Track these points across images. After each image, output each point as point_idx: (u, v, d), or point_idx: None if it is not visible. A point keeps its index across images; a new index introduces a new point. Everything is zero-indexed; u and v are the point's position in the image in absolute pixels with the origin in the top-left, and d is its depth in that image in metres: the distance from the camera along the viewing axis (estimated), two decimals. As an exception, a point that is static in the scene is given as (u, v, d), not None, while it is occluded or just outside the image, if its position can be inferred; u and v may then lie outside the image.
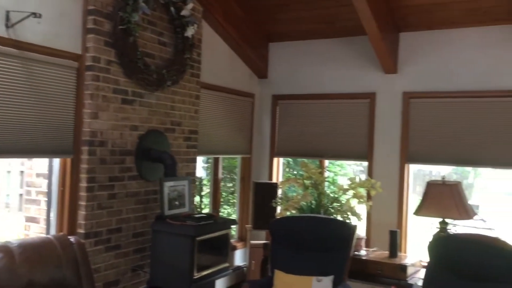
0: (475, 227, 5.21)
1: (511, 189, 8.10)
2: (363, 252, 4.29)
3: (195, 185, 4.51)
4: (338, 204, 4.34)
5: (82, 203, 3.47)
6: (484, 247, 3.13)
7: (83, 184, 3.47)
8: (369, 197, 4.70)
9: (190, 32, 4.16)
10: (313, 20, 5.25)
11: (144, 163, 3.89)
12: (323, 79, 5.53)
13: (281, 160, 6.00)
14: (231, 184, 6.60)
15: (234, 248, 5.48)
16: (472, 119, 4.77)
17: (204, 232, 3.63)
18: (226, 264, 3.96)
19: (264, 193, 5.04)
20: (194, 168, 4.55)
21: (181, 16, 4.10)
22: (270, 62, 5.87)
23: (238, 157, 5.83)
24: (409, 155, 5.05)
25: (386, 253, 4.26)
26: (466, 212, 3.87)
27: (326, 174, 5.86)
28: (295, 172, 7.03)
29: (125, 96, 3.73)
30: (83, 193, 3.47)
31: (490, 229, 5.37)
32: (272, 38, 5.78)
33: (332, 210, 4.33)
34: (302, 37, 5.59)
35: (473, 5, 4.47)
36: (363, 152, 5.29)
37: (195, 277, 3.57)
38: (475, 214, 4.03)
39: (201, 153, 4.80)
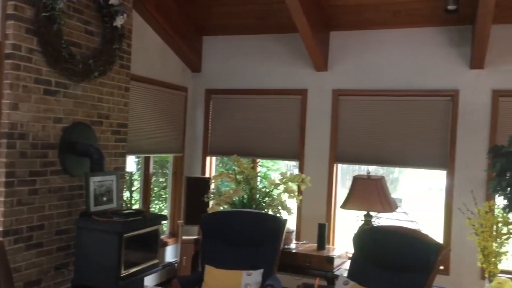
0: (398, 220, 5.48)
1: (432, 185, 8.62)
2: (292, 245, 4.37)
3: (124, 180, 4.39)
4: (270, 199, 4.39)
5: (1, 199, 3.26)
6: (404, 239, 3.29)
7: (2, 179, 3.26)
8: (299, 191, 4.80)
9: (119, 21, 4.02)
10: (246, 15, 5.26)
11: (69, 157, 3.73)
12: (256, 75, 5.57)
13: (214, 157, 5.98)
14: (163, 179, 6.49)
15: (165, 244, 5.40)
16: (396, 118, 5.00)
17: (132, 229, 3.55)
18: (156, 261, 3.90)
19: (197, 188, 5.01)
20: (124, 162, 4.42)
21: (110, 5, 3.95)
22: (204, 56, 5.83)
23: (170, 156, 5.73)
24: (338, 155, 5.22)
25: (315, 245, 4.37)
26: (389, 205, 4.06)
27: (259, 169, 5.92)
28: (228, 167, 7.04)
29: (48, 87, 3.54)
30: (1, 189, 3.26)
31: (411, 221, 5.67)
32: (206, 32, 5.74)
33: (264, 205, 4.37)
34: (236, 31, 5.60)
35: (398, 7, 4.67)
36: (295, 151, 5.39)
37: (122, 275, 3.48)
38: (397, 207, 4.24)
39: (131, 151, 4.65)
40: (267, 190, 4.41)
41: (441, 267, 4.67)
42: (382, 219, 4.63)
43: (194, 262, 4.50)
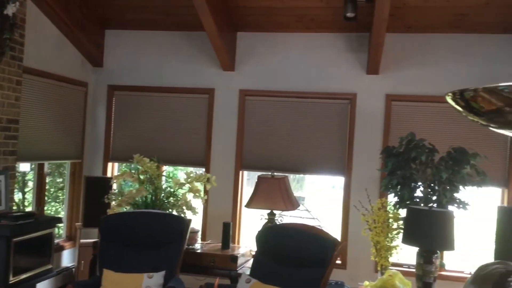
0: (301, 217, 5.66)
1: (335, 183, 9.05)
2: (197, 245, 4.34)
3: (15, 181, 4.07)
4: (174, 199, 4.32)
5: None
6: (303, 235, 3.41)
7: None
8: (206, 191, 4.78)
9: (10, 10, 3.72)
10: (152, 10, 5.12)
11: None
12: (162, 72, 5.45)
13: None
14: (60, 179, 6.11)
15: (62, 248, 5.09)
16: (300, 120, 5.14)
17: (22, 232, 3.31)
18: (50, 266, 3.68)
19: (97, 189, 4.78)
20: (14, 161, 4.09)
21: (-1, -10, 3.64)
22: (106, 50, 5.57)
23: (68, 162, 5.39)
24: (244, 162, 5.25)
25: (220, 245, 4.37)
26: (291, 203, 4.17)
27: (164, 168, 5.79)
28: (133, 166, 6.81)
29: None
30: None
31: (313, 218, 5.88)
32: (109, 25, 5.50)
33: (168, 205, 4.28)
34: (141, 26, 5.43)
35: (302, 12, 4.83)
36: (201, 158, 5.32)
37: (11, 281, 3.24)
38: (299, 205, 4.37)
39: (21, 158, 4.29)
40: (172, 190, 4.33)
41: (339, 262, 4.91)
42: (285, 217, 4.75)
43: (92, 267, 4.29)
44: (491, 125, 1.15)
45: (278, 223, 4.22)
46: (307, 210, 6.05)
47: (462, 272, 4.66)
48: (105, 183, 4.82)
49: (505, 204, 4.67)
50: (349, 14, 4.30)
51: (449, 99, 1.08)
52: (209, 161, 5.30)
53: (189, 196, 4.28)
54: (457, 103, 1.09)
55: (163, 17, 5.20)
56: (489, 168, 4.38)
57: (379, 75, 4.97)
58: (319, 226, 5.51)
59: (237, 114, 5.26)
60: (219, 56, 5.07)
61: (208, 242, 4.60)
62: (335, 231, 5.17)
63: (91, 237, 5.12)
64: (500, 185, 4.72)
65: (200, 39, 5.25)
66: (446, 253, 4.69)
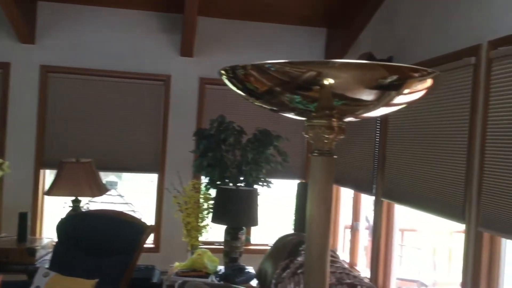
0: (113, 203, 5.43)
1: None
2: (-13, 240, 3.82)
3: None
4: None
5: None
6: (110, 222, 3.26)
7: None
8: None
9: None
10: None
11: None
12: None
13: None
14: None
15: None
16: (111, 103, 4.87)
17: None
18: None
19: None
20: None
21: None
22: None
23: None
24: (45, 157, 4.73)
25: (16, 238, 3.92)
26: (98, 189, 3.94)
27: None
28: None
29: None
30: None
31: (127, 203, 5.69)
32: None
33: None
34: None
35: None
36: None
37: None
38: (107, 190, 4.16)
39: None
40: (-47, 179, 3.72)
41: (152, 246, 4.86)
42: (95, 204, 4.49)
43: None
44: (274, 108, 1.16)
45: (83, 210, 3.96)
46: (120, 195, 5.84)
47: (266, 245, 5.03)
48: None
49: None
50: (160, -7, 4.19)
51: (225, 80, 1.05)
52: (3, 146, 4.68)
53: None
54: (235, 86, 1.07)
55: None
56: (290, 151, 4.79)
57: (193, 57, 4.99)
58: (133, 211, 5.37)
59: (38, 93, 4.74)
60: (14, 27, 4.48)
61: (2, 235, 4.09)
62: (151, 215, 5.09)
63: None
64: (299, 177, 5.16)
65: (-9, 5, 4.57)
66: (253, 229, 5.01)
